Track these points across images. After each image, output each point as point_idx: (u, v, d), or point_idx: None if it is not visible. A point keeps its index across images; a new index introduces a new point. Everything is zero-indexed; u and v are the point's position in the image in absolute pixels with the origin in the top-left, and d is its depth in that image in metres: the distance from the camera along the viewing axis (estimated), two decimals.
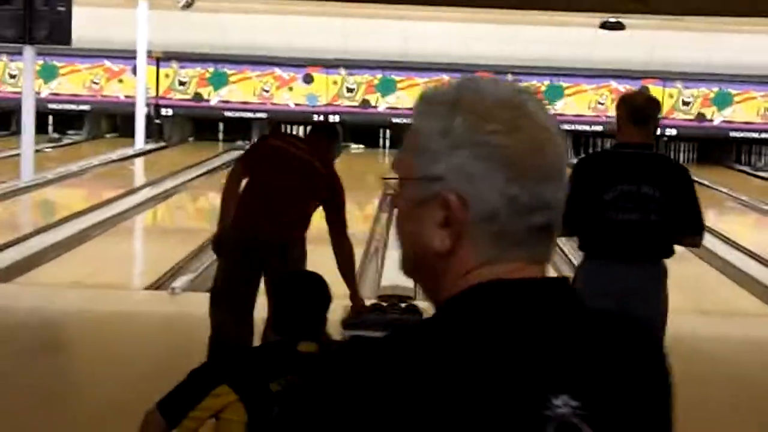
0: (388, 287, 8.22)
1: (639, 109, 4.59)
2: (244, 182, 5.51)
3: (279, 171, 5.39)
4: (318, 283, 3.38)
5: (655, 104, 4.73)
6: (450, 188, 1.19)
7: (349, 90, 21.73)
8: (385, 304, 5.70)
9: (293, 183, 5.35)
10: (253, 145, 6.12)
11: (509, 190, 1.18)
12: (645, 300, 4.45)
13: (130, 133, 20.21)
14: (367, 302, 6.85)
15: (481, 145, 1.18)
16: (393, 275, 8.81)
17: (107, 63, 21.64)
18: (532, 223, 1.20)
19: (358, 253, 10.39)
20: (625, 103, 4.66)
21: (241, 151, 18.34)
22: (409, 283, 8.35)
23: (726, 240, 11.76)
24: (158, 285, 8.54)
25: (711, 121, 21.65)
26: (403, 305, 5.70)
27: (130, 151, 19.43)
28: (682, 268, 10.43)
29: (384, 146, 22.18)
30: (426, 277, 1.22)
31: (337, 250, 5.57)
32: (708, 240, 11.37)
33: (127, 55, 20.53)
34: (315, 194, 5.41)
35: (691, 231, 4.61)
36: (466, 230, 1.19)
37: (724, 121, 21.63)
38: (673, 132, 21.59)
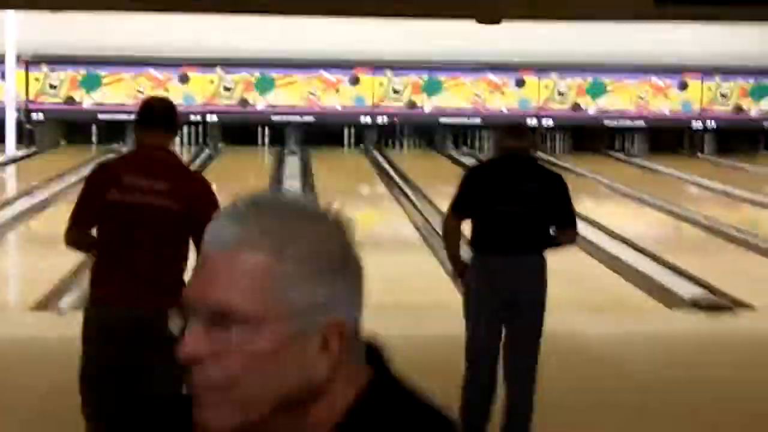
0: None
1: (514, 126, 5.42)
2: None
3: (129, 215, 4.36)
4: None
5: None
6: (330, 314, 1.20)
7: (227, 89, 21.49)
8: None
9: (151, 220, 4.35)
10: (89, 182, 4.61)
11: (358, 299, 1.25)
12: (530, 289, 5.17)
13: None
14: None
15: (347, 266, 1.23)
16: None
17: None
18: None
19: None
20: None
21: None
22: None
23: (605, 230, 11.96)
24: (43, 305, 8.24)
25: (585, 110, 22.04)
26: None
27: (0, 159, 18.89)
28: (563, 260, 10.70)
29: (263, 143, 22.04)
30: (295, 411, 1.20)
31: None
32: (587, 230, 11.72)
33: None
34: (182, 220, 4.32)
35: (566, 224, 5.27)
36: (344, 345, 1.21)
37: (599, 110, 22.05)
38: (550, 122, 21.92)
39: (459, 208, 5.33)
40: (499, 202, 5.18)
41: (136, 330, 4.22)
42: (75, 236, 4.48)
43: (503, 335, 5.25)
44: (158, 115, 4.50)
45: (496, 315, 5.20)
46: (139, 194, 4.36)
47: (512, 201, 5.17)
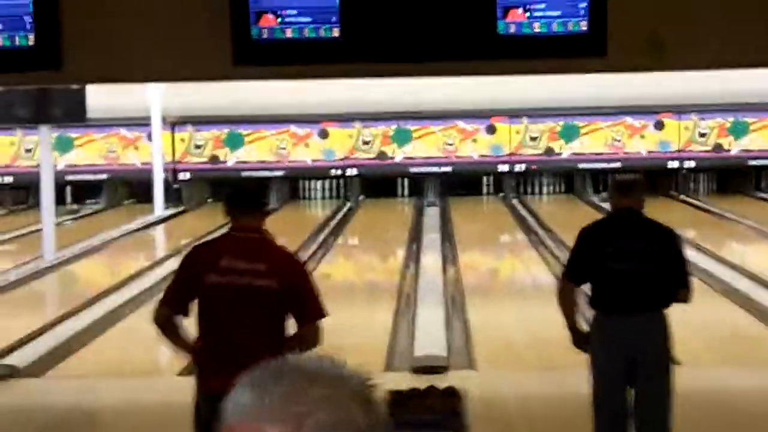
0: (422, 357, 8.14)
1: (624, 183, 5.47)
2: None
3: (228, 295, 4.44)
4: None
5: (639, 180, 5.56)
6: None
7: (365, 143, 21.77)
8: (419, 385, 5.61)
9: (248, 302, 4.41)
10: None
11: None
12: (651, 348, 5.15)
13: (147, 199, 20.26)
14: (401, 379, 6.82)
15: None
16: (426, 341, 8.75)
17: (122, 131, 21.75)
18: None
19: (387, 308, 10.49)
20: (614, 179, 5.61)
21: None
22: (441, 349, 8.39)
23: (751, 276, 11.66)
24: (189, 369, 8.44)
25: (728, 151, 21.59)
26: (440, 386, 5.62)
27: (150, 218, 19.46)
28: (703, 309, 10.44)
29: (403, 195, 22.22)
30: None
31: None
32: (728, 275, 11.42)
33: (142, 122, 20.63)
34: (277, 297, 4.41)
35: (679, 284, 5.25)
36: None
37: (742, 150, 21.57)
38: (692, 164, 21.56)
39: (573, 273, 5.33)
40: (616, 261, 5.17)
41: None
42: (164, 318, 4.56)
43: (633, 396, 5.22)
44: (250, 198, 4.63)
45: (618, 375, 5.17)
46: (238, 276, 4.47)
47: (630, 258, 5.16)
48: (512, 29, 5.79)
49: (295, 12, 5.94)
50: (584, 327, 5.39)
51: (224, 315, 4.47)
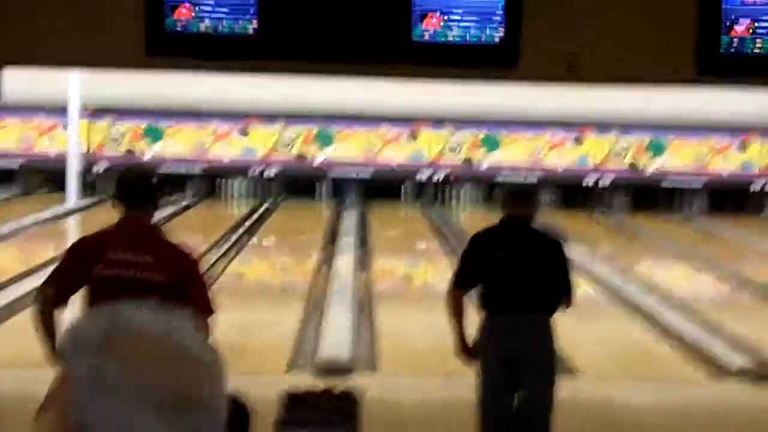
0: (325, 359, 8.13)
1: (517, 192, 5.64)
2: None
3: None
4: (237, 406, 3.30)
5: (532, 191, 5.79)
6: None
7: (285, 144, 21.70)
8: (319, 387, 5.59)
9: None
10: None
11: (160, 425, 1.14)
12: (535, 348, 5.27)
13: (62, 189, 20.01)
14: (302, 380, 6.80)
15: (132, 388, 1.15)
16: (331, 343, 8.75)
17: (39, 118, 21.43)
18: None
19: (297, 310, 10.48)
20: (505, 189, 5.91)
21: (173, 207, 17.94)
22: (346, 353, 8.39)
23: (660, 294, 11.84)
24: None
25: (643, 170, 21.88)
26: (338, 389, 5.60)
27: (63, 209, 19.20)
28: (607, 324, 10.59)
29: (322, 197, 22.20)
30: None
31: None
32: (632, 291, 11.60)
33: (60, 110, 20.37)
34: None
35: (563, 291, 5.41)
36: None
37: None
38: (607, 181, 21.85)
39: (462, 278, 5.41)
40: (507, 265, 5.30)
41: None
42: (47, 298, 4.51)
43: (515, 398, 5.31)
44: (141, 193, 4.59)
45: (502, 375, 5.25)
46: (125, 268, 4.43)
47: (519, 263, 5.30)
48: (427, 36, 5.81)
49: (211, 4, 5.90)
50: (469, 339, 5.46)
51: None
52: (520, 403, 5.33)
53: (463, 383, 7.17)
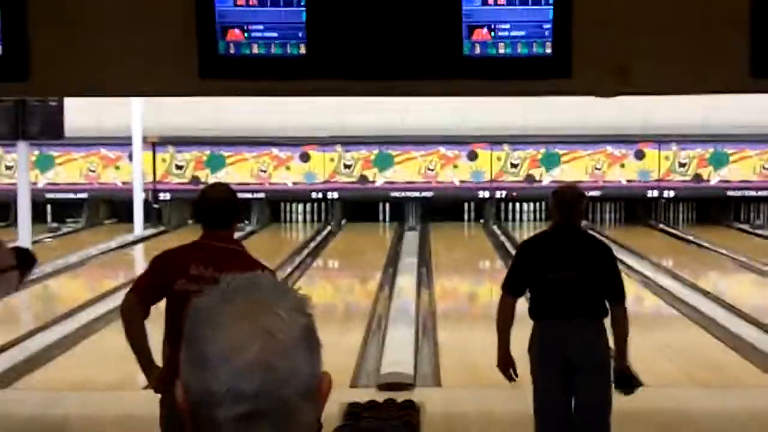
0: (387, 374, 8.16)
1: (564, 199, 5.52)
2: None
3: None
4: None
5: (577, 195, 5.60)
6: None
7: (347, 166, 21.83)
8: (381, 400, 5.63)
9: None
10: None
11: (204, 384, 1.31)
12: (587, 353, 5.25)
13: (128, 219, 20.27)
14: (365, 394, 6.84)
15: (191, 341, 1.35)
16: (393, 359, 8.77)
17: (103, 150, 21.78)
18: (229, 414, 1.30)
19: (360, 329, 10.54)
20: (554, 195, 5.63)
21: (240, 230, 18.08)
22: (409, 368, 8.42)
23: (726, 305, 11.72)
24: None
25: (708, 181, 21.69)
26: (399, 401, 5.64)
27: (129, 238, 19.46)
28: (676, 335, 10.53)
29: (384, 220, 22.27)
30: None
31: None
32: (705, 305, 11.51)
33: (123, 142, 20.68)
34: None
35: (614, 297, 5.37)
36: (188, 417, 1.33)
37: (722, 181, 21.67)
38: (671, 193, 21.65)
39: (511, 285, 5.42)
40: (551, 270, 5.31)
41: None
42: (133, 304, 4.52)
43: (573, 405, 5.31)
44: (223, 210, 4.61)
45: (557, 380, 5.25)
46: (207, 284, 4.45)
47: (563, 268, 5.31)
48: (477, 50, 5.84)
49: (261, 27, 5.99)
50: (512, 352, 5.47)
51: None
52: (576, 408, 5.33)
53: (526, 396, 7.17)
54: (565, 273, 5.30)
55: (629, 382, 5.45)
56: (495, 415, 7.17)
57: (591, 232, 5.64)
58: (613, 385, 5.40)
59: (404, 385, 7.73)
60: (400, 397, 6.63)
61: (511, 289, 5.45)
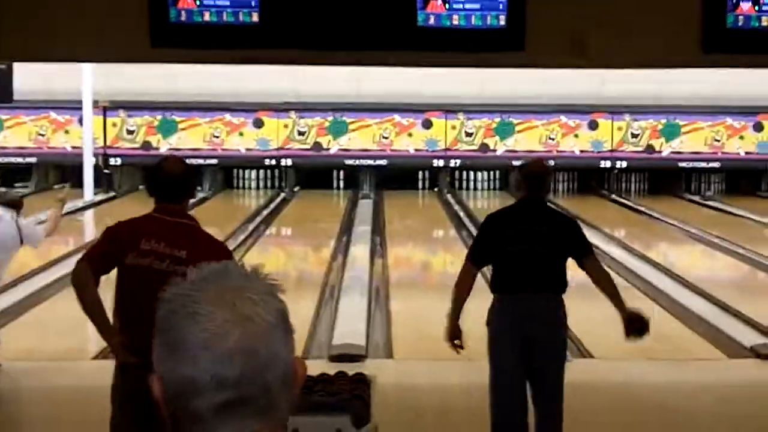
0: (339, 345, 8.15)
1: (532, 175, 5.49)
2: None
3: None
4: None
5: (545, 169, 5.62)
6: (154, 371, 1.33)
7: (301, 133, 21.73)
8: (332, 372, 5.61)
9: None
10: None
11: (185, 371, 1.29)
12: (546, 328, 5.29)
13: (78, 184, 20.06)
14: (317, 366, 6.82)
15: (166, 331, 1.33)
16: (345, 330, 8.76)
17: (53, 114, 21.52)
18: (211, 403, 1.29)
19: (313, 299, 10.51)
20: (521, 170, 5.63)
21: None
22: (361, 339, 8.41)
23: (675, 276, 11.82)
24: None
25: (660, 152, 21.83)
26: (351, 373, 5.62)
27: (79, 203, 19.26)
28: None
29: (338, 188, 22.23)
30: None
31: None
32: (654, 275, 11.60)
33: (73, 106, 20.44)
34: None
35: (582, 253, 5.41)
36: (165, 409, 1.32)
37: (673, 152, 21.83)
38: (624, 164, 21.77)
39: (475, 255, 5.44)
40: (513, 244, 5.33)
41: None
42: (84, 272, 4.46)
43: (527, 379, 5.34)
44: (177, 183, 4.54)
45: (515, 353, 5.28)
46: (158, 260, 4.42)
47: (527, 242, 5.33)
48: (432, 21, 5.81)
49: None
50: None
51: (140, 297, 4.40)
52: (532, 383, 5.35)
53: (480, 369, 7.19)
54: (528, 247, 5.32)
55: (642, 328, 5.49)
56: (448, 387, 7.19)
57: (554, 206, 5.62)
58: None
59: (356, 357, 7.74)
60: (352, 369, 6.61)
61: (474, 259, 5.46)
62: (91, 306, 4.48)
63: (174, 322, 1.33)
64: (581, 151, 21.72)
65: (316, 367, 6.73)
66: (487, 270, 5.61)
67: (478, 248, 5.47)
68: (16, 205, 8.02)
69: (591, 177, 22.09)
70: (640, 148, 21.76)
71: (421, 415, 6.63)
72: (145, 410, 4.24)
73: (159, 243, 4.43)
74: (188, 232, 4.51)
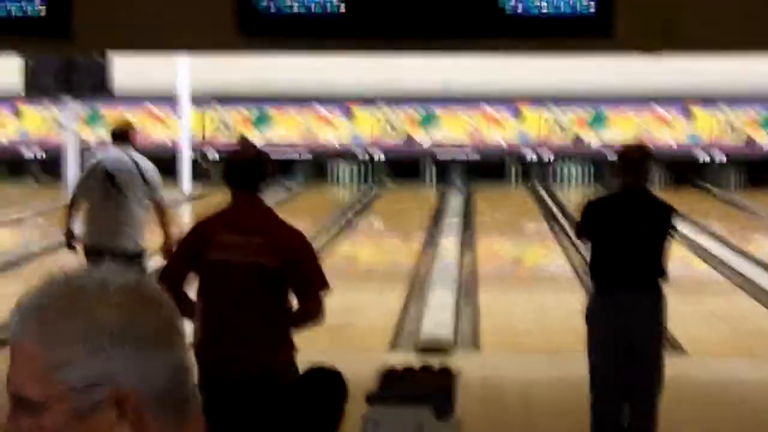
0: (426, 340, 8.11)
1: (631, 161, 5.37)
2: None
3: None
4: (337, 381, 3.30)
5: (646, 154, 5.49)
6: (117, 382, 1.21)
7: (392, 127, 21.74)
8: (416, 367, 5.56)
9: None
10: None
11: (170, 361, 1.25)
12: (647, 322, 5.24)
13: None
14: (404, 358, 6.79)
15: (133, 333, 1.22)
16: (432, 323, 8.73)
17: (149, 106, 21.85)
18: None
19: (404, 292, 10.48)
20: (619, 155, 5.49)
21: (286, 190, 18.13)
22: (448, 332, 8.37)
23: None
24: None
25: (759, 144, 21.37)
26: (437, 366, 5.57)
27: (179, 197, 19.53)
28: (722, 302, 10.37)
29: (430, 180, 22.21)
30: None
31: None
32: (751, 270, 11.33)
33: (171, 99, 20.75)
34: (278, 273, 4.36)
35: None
36: (140, 413, 1.23)
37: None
38: (723, 157, 21.37)
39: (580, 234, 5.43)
40: (619, 239, 5.27)
41: (247, 390, 4.30)
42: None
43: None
44: (249, 172, 4.50)
45: (616, 349, 5.21)
46: (236, 251, 4.37)
47: (632, 238, 5.26)
48: (518, 8, 5.73)
49: None
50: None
51: (223, 291, 4.42)
52: (631, 380, 5.26)
53: (566, 363, 7.11)
54: (636, 243, 5.27)
55: None
56: (533, 381, 7.10)
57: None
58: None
59: (443, 350, 7.69)
60: (438, 362, 6.58)
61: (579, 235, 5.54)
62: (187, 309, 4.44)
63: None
64: (678, 144, 21.38)
65: (403, 359, 6.72)
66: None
67: (584, 227, 5.44)
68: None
69: (687, 169, 21.74)
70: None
71: (505, 409, 6.56)
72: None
73: (235, 234, 4.41)
74: (263, 219, 4.48)
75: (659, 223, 5.34)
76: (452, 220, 15.91)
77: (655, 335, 5.31)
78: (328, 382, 3.46)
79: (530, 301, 10.18)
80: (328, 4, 5.88)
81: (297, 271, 4.37)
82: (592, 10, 5.75)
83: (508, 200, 20.36)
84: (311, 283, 4.41)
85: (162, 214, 7.43)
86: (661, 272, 5.33)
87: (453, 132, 21.64)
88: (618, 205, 5.38)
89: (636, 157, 5.42)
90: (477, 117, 21.60)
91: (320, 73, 20.47)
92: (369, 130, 21.75)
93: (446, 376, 5.30)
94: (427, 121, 21.68)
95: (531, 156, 21.58)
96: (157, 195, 7.39)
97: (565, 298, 10.07)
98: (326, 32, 5.87)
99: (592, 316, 5.35)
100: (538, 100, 21.37)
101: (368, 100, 21.58)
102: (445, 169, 21.85)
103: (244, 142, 5.49)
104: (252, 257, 4.35)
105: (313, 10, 5.88)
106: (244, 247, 4.38)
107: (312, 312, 4.40)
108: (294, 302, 4.46)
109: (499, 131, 21.61)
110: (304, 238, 4.54)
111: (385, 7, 5.73)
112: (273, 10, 5.92)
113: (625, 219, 5.28)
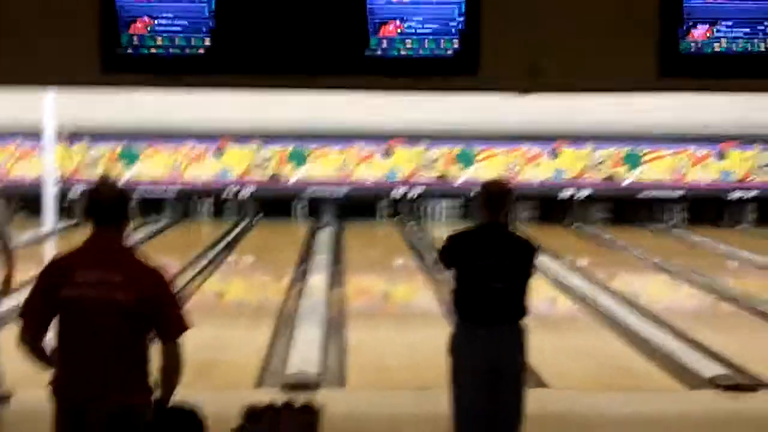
0: (293, 375, 8.06)
1: (493, 196, 5.42)
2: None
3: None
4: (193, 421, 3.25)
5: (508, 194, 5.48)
6: None
7: (263, 163, 21.67)
8: (278, 404, 5.50)
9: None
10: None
11: None
12: (509, 352, 5.29)
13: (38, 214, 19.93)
14: (269, 395, 6.72)
15: None
16: (299, 359, 8.68)
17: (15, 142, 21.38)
18: None
19: (271, 328, 10.39)
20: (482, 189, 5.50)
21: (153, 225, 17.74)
22: (313, 368, 8.32)
23: (633, 305, 11.80)
24: None
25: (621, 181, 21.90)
26: (298, 404, 5.52)
27: (39, 233, 19.09)
28: (587, 337, 10.53)
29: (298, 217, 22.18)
30: None
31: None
32: (608, 303, 11.57)
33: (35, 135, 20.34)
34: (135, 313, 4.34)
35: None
36: None
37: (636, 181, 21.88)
38: (587, 192, 21.85)
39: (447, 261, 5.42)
40: (488, 278, 5.30)
41: (102, 430, 4.20)
42: (28, 338, 4.35)
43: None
44: (110, 209, 4.41)
45: (480, 385, 5.23)
46: (92, 288, 4.30)
47: (499, 277, 5.30)
48: (384, 44, 5.77)
49: (165, 21, 5.85)
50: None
51: (79, 329, 4.31)
52: (492, 414, 5.28)
53: (435, 398, 7.12)
54: (499, 282, 5.30)
55: None
56: (399, 417, 7.10)
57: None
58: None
59: (309, 386, 7.65)
60: (304, 398, 6.52)
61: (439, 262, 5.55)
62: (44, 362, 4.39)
63: None
64: (543, 181, 21.78)
65: (269, 396, 6.64)
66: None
67: (446, 260, 5.44)
68: None
69: (554, 206, 22.15)
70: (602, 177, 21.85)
71: None
72: None
73: (91, 271, 4.33)
74: (121, 256, 4.41)
75: (521, 261, 5.39)
76: (321, 257, 15.90)
77: (518, 365, 5.35)
78: (184, 422, 3.40)
79: (400, 337, 10.20)
80: (192, 40, 5.83)
81: (155, 310, 4.30)
82: (457, 47, 5.83)
83: (377, 237, 20.44)
84: (170, 324, 4.34)
85: (8, 254, 7.31)
86: (522, 311, 5.39)
87: (323, 168, 21.67)
88: (479, 239, 5.42)
89: (497, 192, 5.48)
90: (347, 153, 21.67)
91: (191, 109, 20.31)
92: (238, 166, 21.63)
93: (309, 413, 5.26)
94: (297, 157, 21.67)
95: (400, 192, 21.72)
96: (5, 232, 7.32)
97: (435, 334, 10.04)
98: (190, 69, 5.83)
99: (455, 345, 5.38)
100: (409, 137, 21.55)
101: (242, 137, 21.50)
102: (314, 206, 21.85)
103: (105, 178, 5.40)
104: (109, 294, 4.27)
105: (176, 46, 5.83)
106: (101, 283, 4.30)
107: (171, 355, 4.33)
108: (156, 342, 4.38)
109: (368, 168, 21.71)
110: (164, 276, 4.45)
111: (248, 45, 5.71)
112: (136, 46, 5.85)
113: (485, 254, 5.32)
